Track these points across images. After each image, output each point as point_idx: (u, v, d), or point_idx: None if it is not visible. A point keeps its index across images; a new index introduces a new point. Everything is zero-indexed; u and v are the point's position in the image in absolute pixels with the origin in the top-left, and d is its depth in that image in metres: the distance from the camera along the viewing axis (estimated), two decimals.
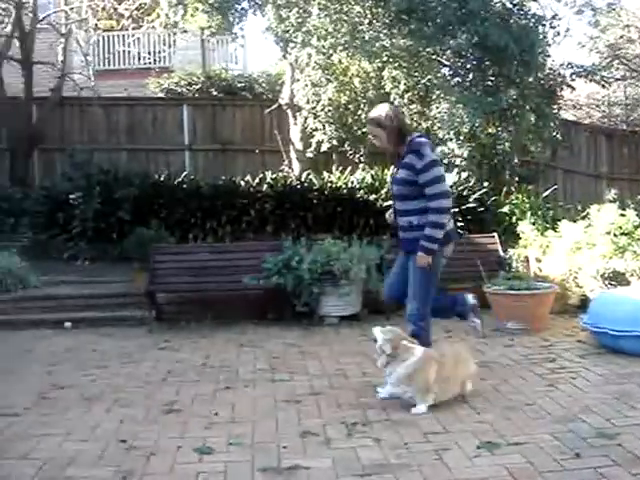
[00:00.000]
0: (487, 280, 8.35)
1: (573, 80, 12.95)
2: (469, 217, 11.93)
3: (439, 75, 12.34)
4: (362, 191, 12.48)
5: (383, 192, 12.04)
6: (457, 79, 12.41)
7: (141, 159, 15.29)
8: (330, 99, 13.38)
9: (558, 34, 12.73)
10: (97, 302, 9.53)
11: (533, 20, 11.96)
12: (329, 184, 12.69)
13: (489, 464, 4.02)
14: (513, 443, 4.31)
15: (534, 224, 10.51)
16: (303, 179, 12.90)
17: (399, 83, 12.64)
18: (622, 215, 9.42)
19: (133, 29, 17.83)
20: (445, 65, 12.56)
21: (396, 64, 12.11)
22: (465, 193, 12.24)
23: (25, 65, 14.86)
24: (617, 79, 18.92)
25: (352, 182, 12.73)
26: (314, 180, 12.80)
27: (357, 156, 14.25)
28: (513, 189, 12.84)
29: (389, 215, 6.00)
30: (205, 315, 9.14)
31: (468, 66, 12.30)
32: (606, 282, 8.46)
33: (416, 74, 12.42)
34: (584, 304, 8.01)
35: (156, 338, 8.24)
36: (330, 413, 5.10)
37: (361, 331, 8.04)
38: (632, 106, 20.75)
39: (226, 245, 11.25)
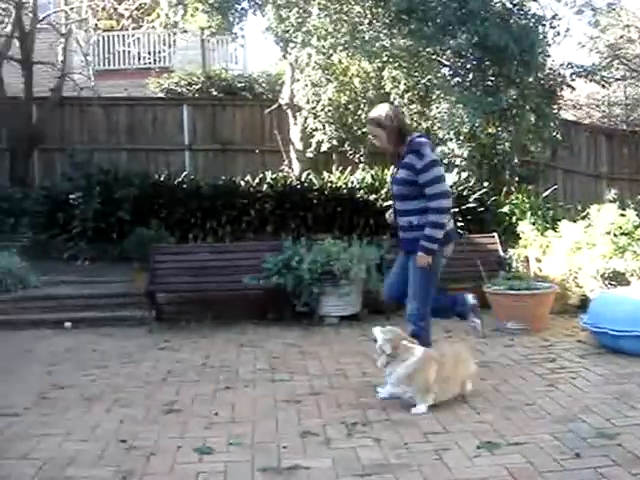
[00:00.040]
0: (487, 280, 8.35)
1: (573, 80, 12.95)
2: (469, 217, 11.92)
3: (439, 75, 12.34)
4: (362, 191, 12.48)
5: (383, 192, 12.04)
6: (457, 79, 12.41)
7: (141, 159, 15.30)
8: (330, 99, 13.38)
9: (558, 34, 12.74)
10: (97, 302, 9.53)
11: (533, 20, 11.96)
12: (329, 184, 12.69)
13: (489, 464, 4.02)
14: (513, 443, 4.31)
15: (534, 224, 10.51)
16: (303, 179, 12.90)
17: (399, 83, 12.64)
18: (622, 215, 9.42)
19: (133, 29, 17.83)
20: (445, 65, 12.57)
21: (396, 64, 12.11)
22: (465, 193, 12.24)
23: (25, 65, 14.87)
24: (617, 79, 18.92)
25: (352, 182, 12.73)
26: (314, 180, 12.80)
27: (357, 156, 14.25)
28: (513, 189, 12.84)
29: (389, 215, 6.00)
30: (205, 315, 9.14)
31: (468, 66, 12.30)
32: (606, 282, 8.46)
33: (416, 74, 12.42)
34: (584, 304, 8.01)
35: (156, 338, 8.24)
36: (330, 413, 5.10)
37: (361, 331, 8.04)
38: (632, 106, 20.75)
39: (226, 245, 11.25)
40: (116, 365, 6.88)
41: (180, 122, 16.18)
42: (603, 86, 14.26)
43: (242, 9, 12.59)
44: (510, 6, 12.14)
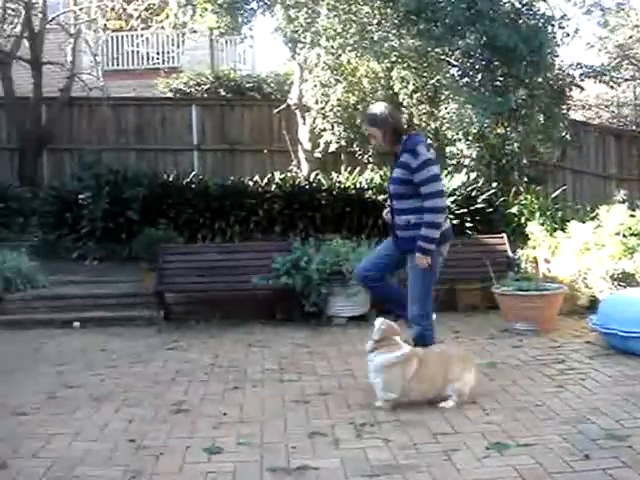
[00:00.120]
0: (496, 281, 8.33)
1: (582, 80, 12.94)
2: (478, 217, 11.88)
3: (448, 75, 12.32)
4: (371, 191, 12.46)
5: None
6: (466, 79, 12.39)
7: (150, 159, 15.33)
8: (339, 99, 13.37)
9: (567, 34, 12.70)
10: (106, 302, 9.54)
11: (542, 20, 11.92)
12: (338, 184, 12.67)
13: (498, 465, 4.01)
14: (522, 444, 4.30)
15: (543, 225, 10.51)
16: (311, 179, 12.89)
17: (408, 83, 12.64)
18: (631, 216, 9.41)
19: (142, 29, 17.85)
20: (454, 65, 12.54)
21: (405, 64, 12.11)
22: (474, 193, 12.20)
23: (34, 65, 14.93)
24: (626, 79, 18.91)
25: (360, 182, 12.72)
26: (322, 180, 12.79)
27: (366, 156, 14.23)
28: (522, 189, 12.81)
29: (386, 214, 6.00)
30: (213, 315, 9.14)
31: (477, 66, 12.28)
32: (615, 283, 8.44)
33: (425, 74, 12.41)
34: (593, 305, 8.00)
35: (165, 338, 8.25)
36: (339, 413, 5.10)
37: (369, 332, 8.01)
38: None
39: (234, 245, 11.26)
40: (125, 365, 6.88)
41: (189, 122, 16.22)
42: (612, 87, 14.24)
43: (251, 9, 12.61)
44: (519, 6, 12.11)
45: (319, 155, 14.19)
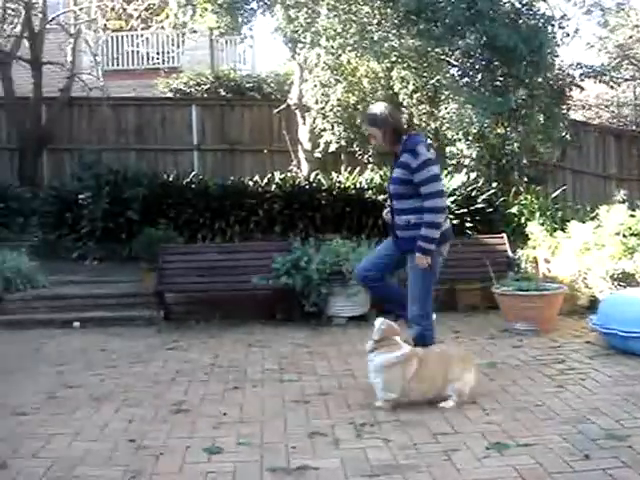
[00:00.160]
0: (496, 281, 8.33)
1: (582, 80, 12.94)
2: (478, 217, 11.88)
3: (448, 75, 12.32)
4: (371, 191, 12.46)
5: None
6: (466, 79, 12.39)
7: (150, 159, 15.33)
8: (339, 99, 13.37)
9: (567, 34, 12.70)
10: (106, 302, 9.54)
11: (542, 20, 11.92)
12: (338, 184, 12.68)
13: (498, 465, 4.01)
14: (522, 444, 4.30)
15: (543, 225, 10.51)
16: (312, 179, 12.89)
17: (408, 83, 12.64)
18: (631, 216, 9.41)
19: (142, 29, 17.86)
20: (454, 65, 12.54)
21: (405, 64, 12.10)
22: (474, 193, 12.20)
23: (34, 65, 14.93)
24: (626, 79, 18.90)
25: (360, 182, 12.71)
26: (322, 180, 12.79)
27: (366, 156, 14.22)
28: (522, 189, 12.82)
29: (386, 214, 6.00)
30: (213, 315, 9.14)
31: (477, 66, 12.28)
32: (615, 283, 8.44)
33: (425, 74, 12.41)
34: (593, 305, 8.00)
35: (165, 338, 8.25)
36: (339, 413, 5.10)
37: (369, 332, 8.00)
38: None
39: (234, 245, 11.26)
40: (125, 365, 6.89)
41: (189, 122, 16.22)
42: (612, 87, 14.24)
43: (251, 9, 12.61)
44: (519, 6, 12.11)
45: (319, 155, 14.19)
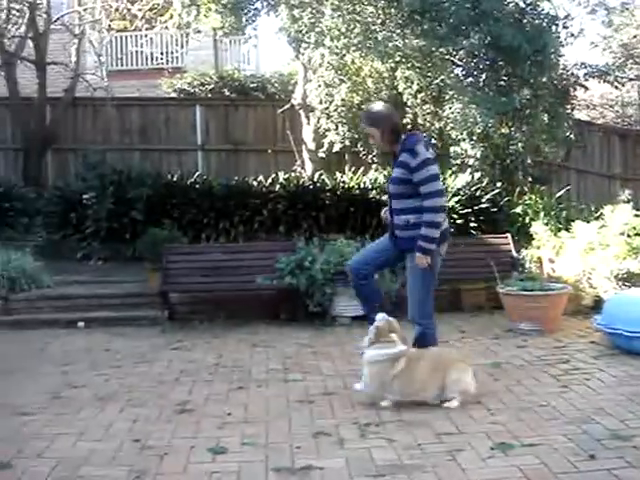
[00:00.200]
0: (500, 281, 8.33)
1: (586, 80, 12.90)
2: (482, 217, 11.88)
3: (452, 75, 12.29)
4: (374, 191, 12.44)
5: None
6: (470, 79, 12.36)
7: (154, 159, 15.31)
8: (343, 99, 13.36)
9: (571, 34, 12.64)
10: (110, 302, 9.55)
11: (546, 20, 11.89)
12: (342, 184, 12.67)
13: (503, 465, 4.01)
14: (527, 444, 4.30)
15: (547, 224, 10.50)
16: (316, 179, 12.88)
17: (412, 83, 12.62)
18: (636, 216, 9.40)
19: (146, 30, 17.87)
20: (458, 65, 12.51)
21: (409, 64, 12.08)
22: (478, 193, 12.19)
23: (39, 66, 14.94)
24: (631, 79, 18.88)
25: (364, 182, 12.70)
26: (327, 180, 12.78)
27: (370, 156, 14.20)
28: (526, 189, 12.80)
29: (384, 213, 6.00)
30: (218, 315, 9.15)
31: (481, 66, 12.25)
32: (620, 283, 8.43)
33: (429, 74, 12.39)
34: (598, 305, 8.00)
35: (169, 338, 8.26)
36: (343, 413, 5.10)
37: None
38: None
39: (239, 245, 11.28)
40: (129, 365, 6.90)
41: (193, 122, 16.20)
42: (616, 86, 14.20)
43: (255, 9, 12.60)
44: (523, 6, 12.07)
45: (323, 155, 14.16)
